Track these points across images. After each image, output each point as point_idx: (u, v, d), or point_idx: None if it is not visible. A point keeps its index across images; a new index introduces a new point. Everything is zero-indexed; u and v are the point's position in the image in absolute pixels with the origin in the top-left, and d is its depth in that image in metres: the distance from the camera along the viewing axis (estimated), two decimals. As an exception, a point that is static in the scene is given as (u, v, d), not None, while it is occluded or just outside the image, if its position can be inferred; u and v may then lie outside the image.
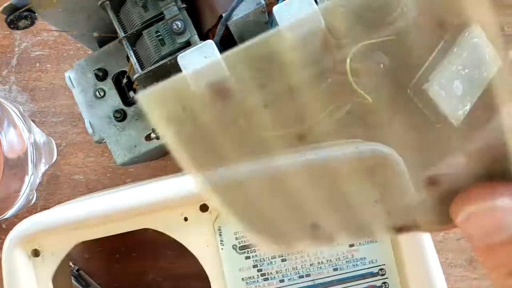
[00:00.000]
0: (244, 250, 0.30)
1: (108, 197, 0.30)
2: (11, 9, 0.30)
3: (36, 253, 0.30)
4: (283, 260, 0.30)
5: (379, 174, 0.29)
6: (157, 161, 0.46)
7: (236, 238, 0.30)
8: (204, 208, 0.30)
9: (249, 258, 0.30)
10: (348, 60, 0.37)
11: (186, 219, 0.30)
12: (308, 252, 0.29)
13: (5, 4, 0.29)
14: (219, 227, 0.30)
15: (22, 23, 0.31)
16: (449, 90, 0.47)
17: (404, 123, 0.21)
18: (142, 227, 0.30)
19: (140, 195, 0.30)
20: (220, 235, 0.30)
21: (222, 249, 0.29)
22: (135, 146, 0.38)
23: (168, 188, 0.30)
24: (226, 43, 0.35)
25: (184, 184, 0.29)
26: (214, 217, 0.30)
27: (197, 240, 0.30)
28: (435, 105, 0.47)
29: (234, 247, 0.30)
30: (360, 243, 0.29)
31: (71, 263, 0.44)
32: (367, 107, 0.19)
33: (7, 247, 0.30)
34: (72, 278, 0.43)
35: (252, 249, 0.30)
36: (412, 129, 0.20)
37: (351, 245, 0.29)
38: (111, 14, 0.32)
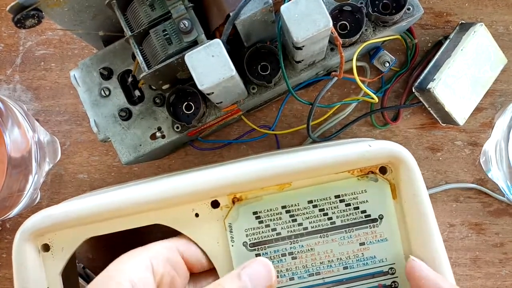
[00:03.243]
0: (254, 248, 0.29)
1: (119, 192, 0.30)
2: (18, 8, 0.30)
3: (46, 247, 0.30)
4: (293, 258, 0.29)
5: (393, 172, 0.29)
6: (161, 160, 0.46)
7: (247, 235, 0.29)
8: (215, 204, 0.30)
9: (260, 255, 0.29)
10: (354, 59, 0.37)
11: (197, 215, 0.30)
12: (318, 251, 0.29)
13: (12, 3, 0.29)
14: (230, 224, 0.29)
15: (29, 22, 0.30)
16: (454, 89, 0.47)
17: None
18: (153, 223, 0.30)
19: (151, 190, 0.29)
20: (231, 231, 0.29)
21: (232, 246, 0.29)
22: (140, 145, 0.38)
23: (179, 184, 0.29)
24: (233, 42, 0.35)
25: (196, 180, 0.29)
26: (225, 214, 0.30)
27: (208, 236, 0.30)
28: (440, 104, 0.47)
29: (244, 244, 0.29)
30: (370, 242, 0.29)
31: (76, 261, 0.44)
32: None
33: (17, 242, 0.29)
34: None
35: (263, 246, 0.29)
36: None
37: (362, 244, 0.29)
38: (118, 13, 0.32)
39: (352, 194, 0.29)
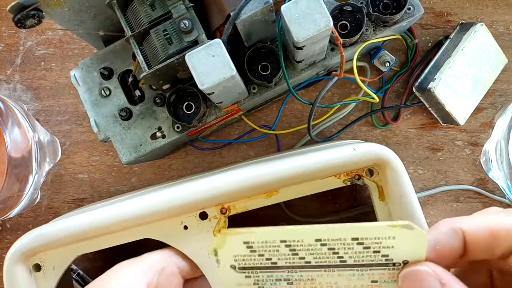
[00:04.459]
0: (244, 271, 0.26)
1: (107, 209, 0.30)
2: (19, 8, 0.30)
3: (37, 267, 0.30)
4: (289, 284, 0.26)
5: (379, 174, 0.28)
6: (162, 160, 0.46)
7: (235, 260, 0.26)
8: (203, 215, 0.30)
9: (249, 277, 0.26)
10: (355, 59, 0.37)
11: (186, 227, 0.29)
12: (320, 281, 0.26)
13: (13, 3, 0.29)
14: (215, 249, 0.26)
15: (29, 22, 0.30)
16: (455, 89, 0.47)
17: None
18: (142, 237, 0.30)
19: (139, 206, 0.29)
20: (216, 255, 0.26)
21: (218, 267, 0.26)
22: (141, 145, 0.38)
23: (167, 197, 0.29)
24: (233, 41, 0.35)
25: (183, 193, 0.29)
26: (214, 225, 0.29)
27: (198, 248, 0.29)
28: (440, 104, 0.47)
29: (232, 267, 0.26)
30: (385, 281, 0.25)
31: (73, 265, 0.44)
32: None
33: (7, 264, 0.29)
34: (74, 282, 0.43)
35: (255, 271, 0.26)
36: None
37: (374, 281, 0.26)
38: (118, 13, 0.32)
39: (375, 239, 0.25)
